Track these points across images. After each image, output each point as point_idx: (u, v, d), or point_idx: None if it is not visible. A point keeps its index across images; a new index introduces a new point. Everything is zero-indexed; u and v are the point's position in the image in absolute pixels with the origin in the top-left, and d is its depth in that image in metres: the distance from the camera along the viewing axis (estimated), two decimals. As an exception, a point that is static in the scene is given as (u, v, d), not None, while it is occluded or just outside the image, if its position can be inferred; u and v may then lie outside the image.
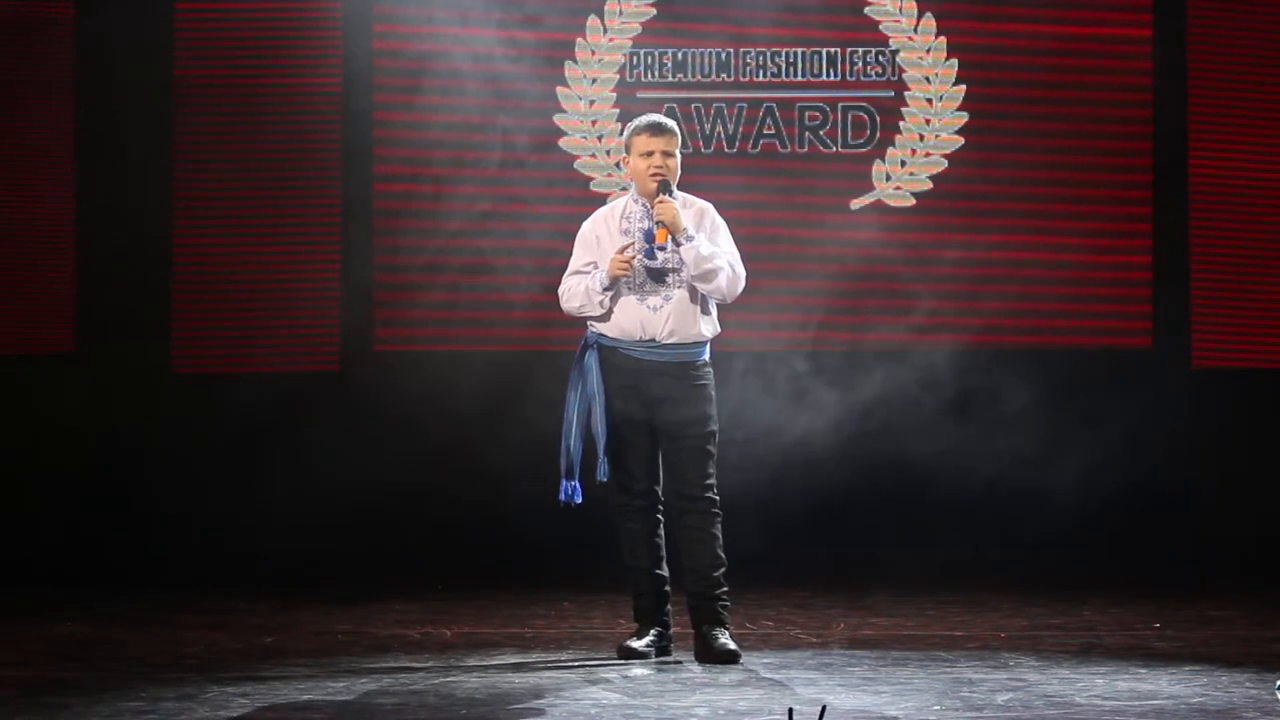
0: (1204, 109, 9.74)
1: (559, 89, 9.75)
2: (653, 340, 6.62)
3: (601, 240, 6.70)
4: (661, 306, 6.61)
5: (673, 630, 6.73)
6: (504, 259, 9.50)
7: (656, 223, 6.57)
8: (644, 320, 6.61)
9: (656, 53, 9.79)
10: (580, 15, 9.77)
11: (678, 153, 6.68)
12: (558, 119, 9.76)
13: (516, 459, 9.14)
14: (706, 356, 6.70)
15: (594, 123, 9.77)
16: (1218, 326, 9.74)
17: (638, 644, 6.63)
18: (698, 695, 5.84)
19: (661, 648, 6.67)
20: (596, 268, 6.66)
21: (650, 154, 6.64)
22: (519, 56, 9.55)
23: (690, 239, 6.56)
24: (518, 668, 6.44)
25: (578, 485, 6.67)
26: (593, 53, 9.79)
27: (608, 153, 9.64)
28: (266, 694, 5.84)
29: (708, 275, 6.58)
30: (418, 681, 6.12)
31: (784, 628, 7.54)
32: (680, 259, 6.59)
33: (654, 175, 6.62)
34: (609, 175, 9.63)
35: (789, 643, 7.09)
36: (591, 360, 6.65)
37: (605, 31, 9.79)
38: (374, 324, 9.77)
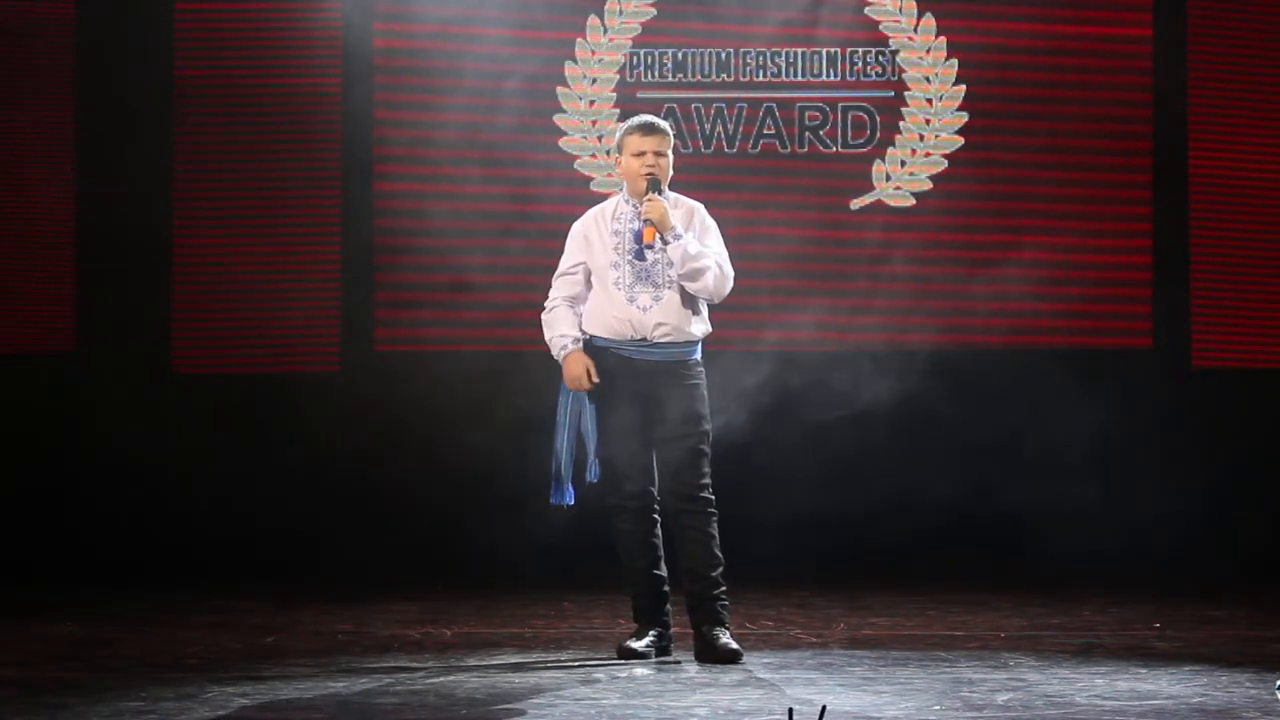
0: (1204, 109, 9.74)
1: (559, 89, 9.75)
2: (644, 340, 6.61)
3: (591, 240, 6.70)
4: (651, 306, 6.61)
5: (673, 630, 6.73)
6: (504, 259, 9.49)
7: (644, 221, 6.57)
8: (634, 320, 6.60)
9: (656, 53, 9.79)
10: (580, 15, 9.78)
11: (670, 153, 6.69)
12: (558, 119, 9.76)
13: (515, 459, 9.13)
14: (698, 356, 6.69)
15: (594, 123, 9.77)
16: (1218, 326, 9.74)
17: (637, 644, 6.63)
18: (698, 695, 5.84)
19: (661, 648, 6.67)
20: (583, 266, 6.66)
21: (642, 153, 6.64)
22: (519, 56, 9.55)
23: (678, 237, 6.56)
24: (518, 668, 6.44)
25: (569, 488, 6.69)
26: (593, 53, 9.79)
27: (607, 153, 9.63)
28: (266, 694, 5.84)
29: (695, 274, 6.57)
30: (418, 681, 6.12)
31: (784, 628, 7.54)
32: (669, 258, 6.59)
33: (646, 174, 6.62)
34: (609, 175, 9.62)
35: (789, 643, 7.09)
36: (582, 363, 6.67)
37: (605, 31, 9.79)
38: (374, 324, 9.77)
